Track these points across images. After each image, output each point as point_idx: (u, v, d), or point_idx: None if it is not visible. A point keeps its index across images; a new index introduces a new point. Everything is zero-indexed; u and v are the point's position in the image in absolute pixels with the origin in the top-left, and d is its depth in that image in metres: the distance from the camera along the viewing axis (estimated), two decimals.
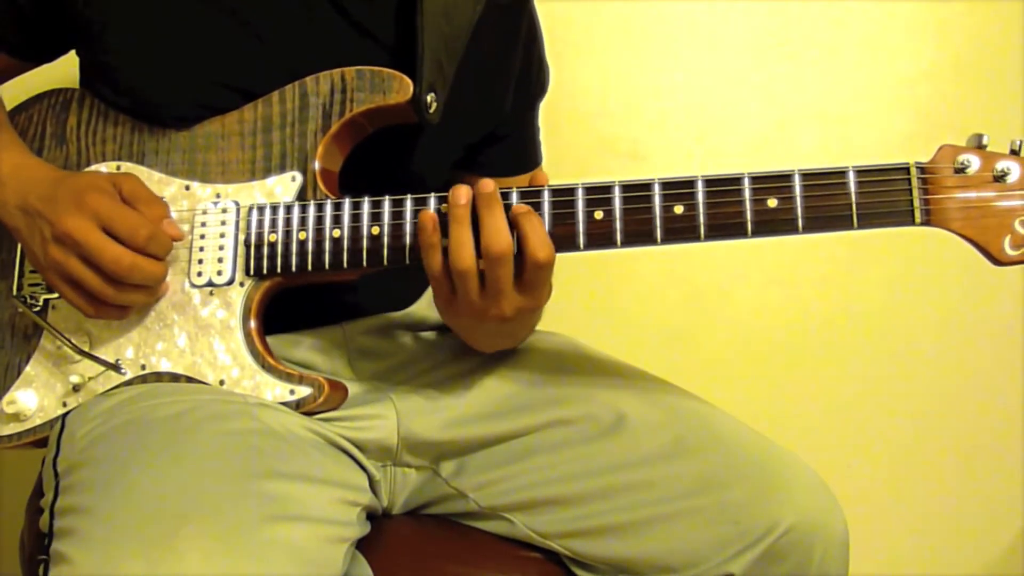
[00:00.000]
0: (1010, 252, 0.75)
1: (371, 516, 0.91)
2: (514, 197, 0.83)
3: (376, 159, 0.93)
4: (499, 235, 0.78)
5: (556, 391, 0.94)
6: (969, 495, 1.55)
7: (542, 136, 1.10)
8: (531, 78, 1.05)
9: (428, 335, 1.02)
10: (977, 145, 0.77)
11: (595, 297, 1.47)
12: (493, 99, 1.00)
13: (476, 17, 0.94)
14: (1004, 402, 1.53)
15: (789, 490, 0.86)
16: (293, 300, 0.90)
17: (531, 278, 0.81)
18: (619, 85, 1.42)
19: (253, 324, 0.87)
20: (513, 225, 0.80)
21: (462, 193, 0.80)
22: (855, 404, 1.54)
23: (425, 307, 1.03)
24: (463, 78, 0.93)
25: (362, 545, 0.87)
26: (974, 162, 0.76)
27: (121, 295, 0.84)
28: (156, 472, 0.72)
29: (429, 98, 0.89)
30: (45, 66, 1.00)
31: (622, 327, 1.48)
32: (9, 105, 0.98)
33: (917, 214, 0.75)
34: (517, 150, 1.06)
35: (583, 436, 0.91)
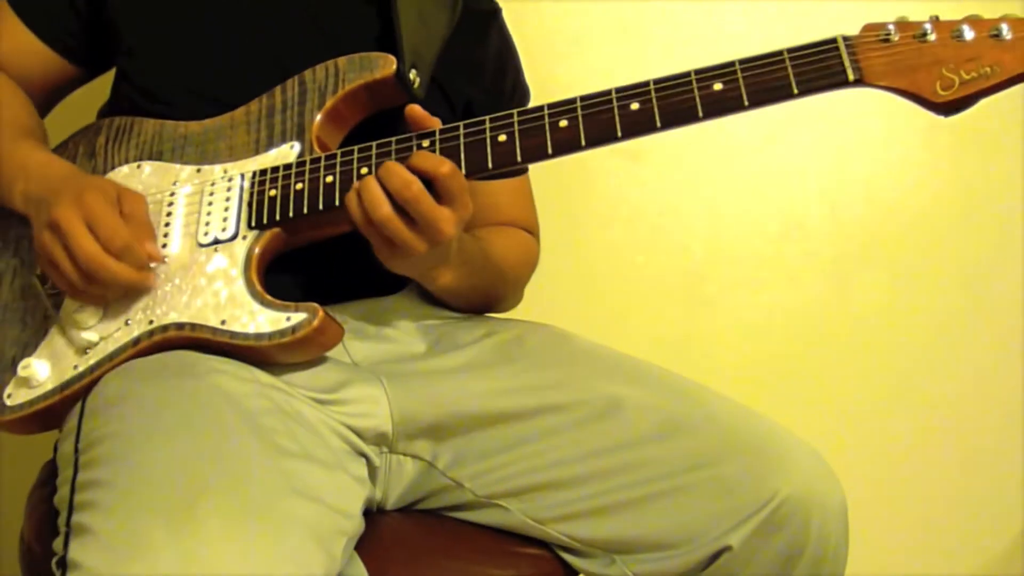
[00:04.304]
0: (942, 93, 0.80)
1: (365, 512, 0.90)
2: (487, 122, 0.91)
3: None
4: (402, 179, 0.86)
5: (549, 377, 0.96)
6: (969, 495, 1.53)
7: None
8: (505, 92, 1.16)
9: (420, 322, 1.06)
10: (900, 21, 0.85)
11: (592, 296, 1.48)
12: (465, 86, 1.11)
13: (450, 29, 1.07)
14: (1004, 402, 1.52)
15: (784, 462, 0.86)
16: (287, 283, 0.96)
17: (446, 190, 0.86)
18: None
19: (254, 271, 0.92)
20: (409, 168, 0.87)
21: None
22: (855, 404, 1.52)
23: (415, 294, 1.08)
24: (442, 68, 1.04)
25: (356, 542, 0.86)
26: (895, 32, 0.83)
27: (90, 287, 0.89)
28: (174, 446, 0.74)
29: (412, 74, 1.00)
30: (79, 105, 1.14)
31: (619, 326, 1.49)
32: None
33: (849, 72, 0.82)
34: None
35: (576, 421, 0.92)
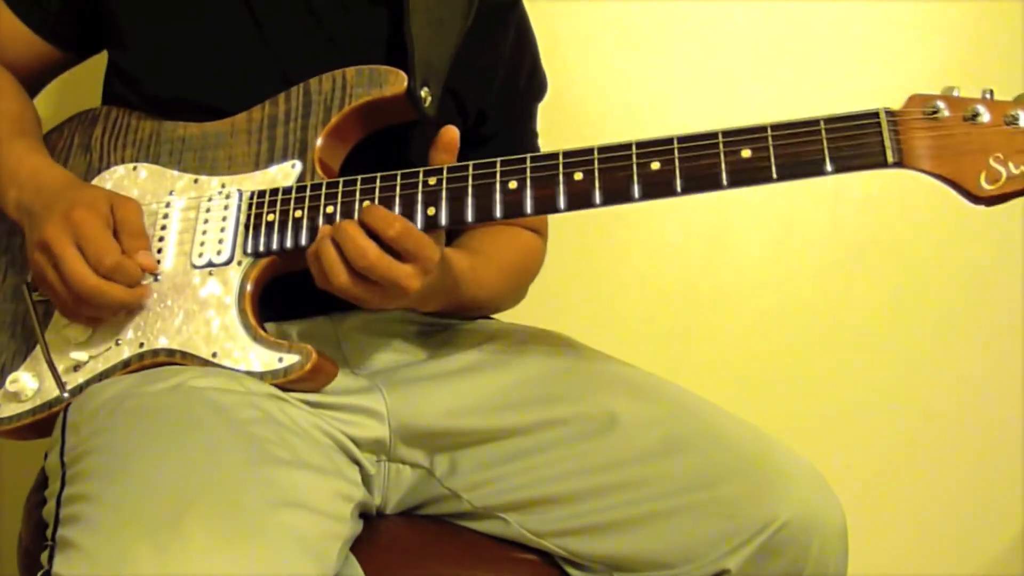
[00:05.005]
0: (986, 187, 0.74)
1: (364, 515, 0.90)
2: (497, 165, 0.86)
3: (375, 158, 0.98)
4: (357, 248, 0.81)
5: (549, 390, 0.94)
6: (969, 495, 1.53)
7: (541, 137, 1.14)
8: (519, 84, 1.09)
9: (419, 331, 1.03)
10: (949, 95, 0.78)
11: (593, 297, 1.47)
12: (478, 93, 1.05)
13: (466, 27, 1.00)
14: (1004, 402, 1.51)
15: (785, 484, 0.85)
16: (286, 291, 0.93)
17: (401, 249, 0.82)
18: (619, 85, 1.45)
19: (248, 301, 0.89)
20: (363, 225, 0.82)
21: (324, 228, 0.85)
22: (855, 404, 1.52)
23: None
24: (453, 74, 0.98)
25: (353, 545, 0.86)
26: (944, 108, 0.77)
27: (82, 310, 0.87)
28: (161, 459, 0.73)
29: (423, 92, 0.94)
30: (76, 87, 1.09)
31: (620, 327, 1.48)
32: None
33: (889, 153, 0.76)
34: (508, 154, 1.10)
35: (576, 435, 0.90)
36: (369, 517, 0.93)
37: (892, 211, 1.52)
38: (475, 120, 1.06)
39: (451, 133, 0.87)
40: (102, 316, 0.89)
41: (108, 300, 0.86)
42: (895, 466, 1.55)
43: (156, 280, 0.91)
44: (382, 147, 0.97)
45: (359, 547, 0.86)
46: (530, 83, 1.13)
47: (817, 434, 1.51)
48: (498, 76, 1.07)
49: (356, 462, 0.91)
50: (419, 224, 0.85)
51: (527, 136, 1.14)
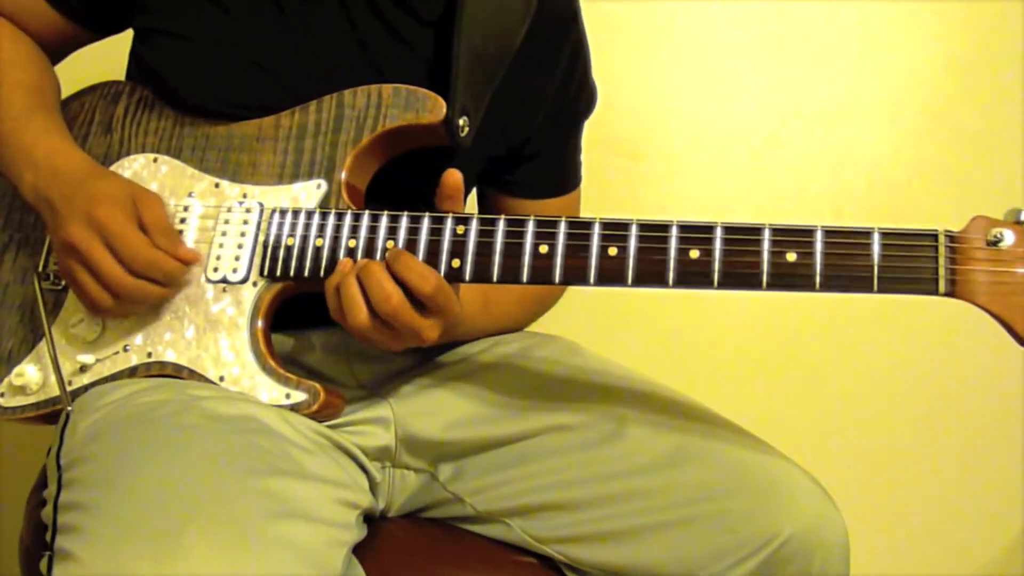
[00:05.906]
0: None
1: (367, 518, 0.90)
2: (530, 225, 0.82)
3: (404, 178, 0.94)
4: (383, 292, 0.79)
5: (556, 396, 0.94)
6: (969, 495, 1.54)
7: None
8: (568, 98, 1.04)
9: None
10: (1015, 220, 0.74)
11: (596, 300, 1.46)
12: (523, 119, 1.00)
13: (520, 38, 0.95)
14: (1004, 402, 1.51)
15: (789, 500, 0.85)
16: (299, 301, 0.91)
17: (431, 305, 0.81)
18: (619, 85, 1.43)
19: (260, 325, 0.87)
20: (390, 271, 0.80)
21: (346, 262, 0.83)
22: (855, 405, 1.52)
23: None
24: (497, 99, 0.94)
25: (356, 547, 0.85)
26: (1008, 236, 0.72)
27: (120, 307, 0.85)
28: (159, 469, 0.72)
29: (461, 121, 0.89)
30: (99, 59, 1.04)
31: (622, 330, 1.48)
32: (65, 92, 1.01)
33: (941, 283, 0.72)
34: (549, 171, 1.06)
35: (582, 442, 0.90)
36: (372, 520, 0.94)
37: (894, 211, 1.49)
38: (518, 141, 1.01)
39: (454, 179, 0.83)
40: (135, 313, 0.88)
41: (148, 296, 0.85)
42: (895, 467, 1.55)
43: (200, 261, 0.88)
44: (411, 169, 0.93)
45: (361, 549, 0.86)
46: (579, 97, 1.06)
47: (818, 434, 1.51)
48: (547, 96, 1.02)
49: (363, 469, 0.91)
50: (441, 274, 0.82)
51: (569, 153, 1.09)
